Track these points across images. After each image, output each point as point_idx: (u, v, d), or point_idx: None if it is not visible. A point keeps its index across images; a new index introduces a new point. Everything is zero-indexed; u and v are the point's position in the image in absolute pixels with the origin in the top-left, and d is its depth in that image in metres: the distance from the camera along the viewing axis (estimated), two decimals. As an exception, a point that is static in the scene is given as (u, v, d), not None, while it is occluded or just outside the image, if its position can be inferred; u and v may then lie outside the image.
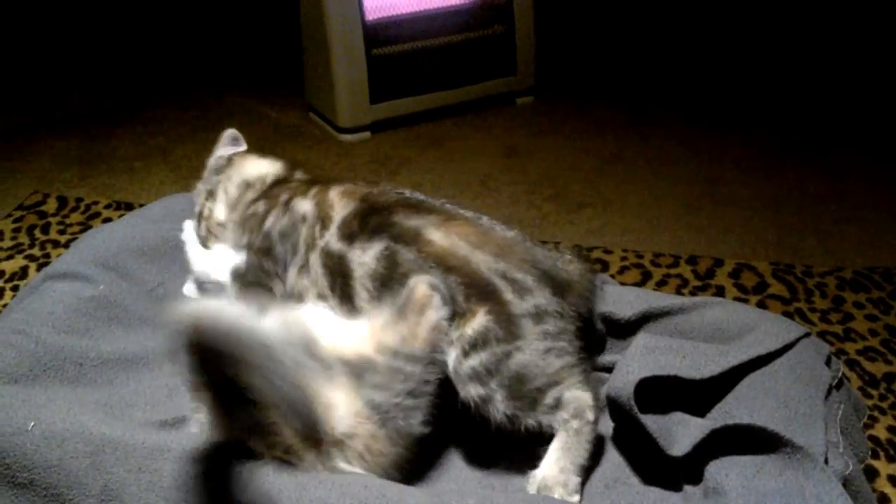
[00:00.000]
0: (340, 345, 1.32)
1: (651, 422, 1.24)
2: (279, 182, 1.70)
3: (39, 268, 2.82)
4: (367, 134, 3.77)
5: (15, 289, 2.75)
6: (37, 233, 3.06)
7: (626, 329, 1.56)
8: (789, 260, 2.82)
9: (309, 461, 1.25)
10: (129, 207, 3.17)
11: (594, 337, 1.58)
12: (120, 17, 4.60)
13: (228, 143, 1.82)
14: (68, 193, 3.32)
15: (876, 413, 2.14)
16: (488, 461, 1.37)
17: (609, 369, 1.54)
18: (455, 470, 1.35)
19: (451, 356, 1.35)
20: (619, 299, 1.59)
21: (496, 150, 3.66)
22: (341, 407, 1.26)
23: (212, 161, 1.81)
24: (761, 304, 2.58)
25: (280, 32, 4.20)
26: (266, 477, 1.20)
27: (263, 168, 1.75)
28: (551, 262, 1.45)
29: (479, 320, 1.34)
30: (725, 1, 4.54)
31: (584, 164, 3.52)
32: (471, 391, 1.33)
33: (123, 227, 1.85)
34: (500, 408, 1.32)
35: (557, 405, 1.33)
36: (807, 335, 1.42)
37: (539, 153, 3.63)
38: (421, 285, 1.37)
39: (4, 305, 2.64)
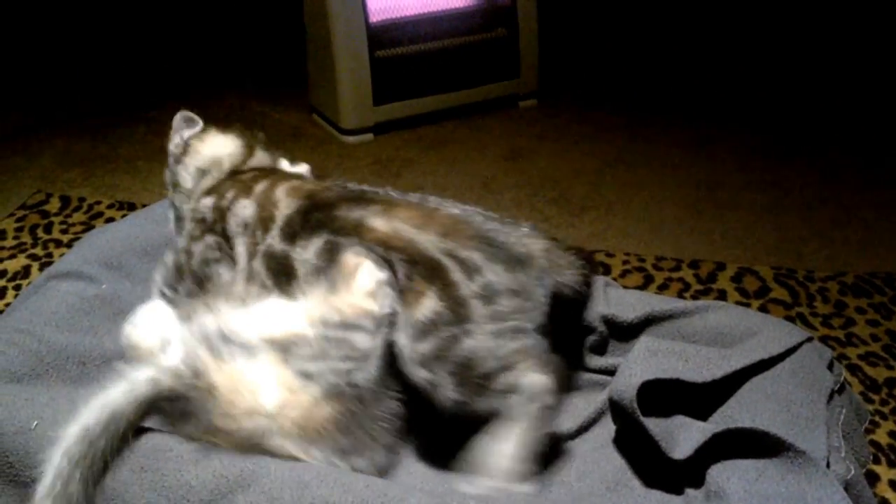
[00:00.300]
0: (268, 328, 1.29)
1: (653, 425, 1.24)
2: (233, 173, 1.66)
3: (42, 267, 2.83)
4: (370, 136, 3.78)
5: (17, 288, 2.75)
6: (39, 232, 3.06)
7: (628, 332, 1.56)
8: (791, 264, 2.82)
9: (242, 440, 1.24)
10: (132, 207, 3.18)
11: (593, 338, 1.58)
12: (124, 16, 4.60)
13: (183, 126, 1.76)
14: (71, 193, 3.32)
15: (877, 418, 2.14)
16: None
17: (611, 372, 1.54)
18: (457, 471, 1.35)
19: (399, 339, 1.31)
20: (622, 302, 1.59)
21: (499, 152, 3.67)
22: (268, 381, 1.24)
23: (170, 147, 1.76)
24: (763, 309, 2.58)
25: (284, 34, 4.21)
26: (268, 476, 1.20)
27: (219, 148, 1.71)
28: (504, 236, 1.38)
29: (427, 304, 1.29)
30: (726, 5, 4.54)
31: (586, 167, 3.53)
32: (419, 375, 1.30)
33: (126, 227, 1.85)
34: (449, 394, 1.29)
35: (512, 390, 1.28)
36: (809, 340, 1.42)
37: (542, 156, 3.63)
38: (349, 254, 1.36)
39: (7, 304, 2.65)
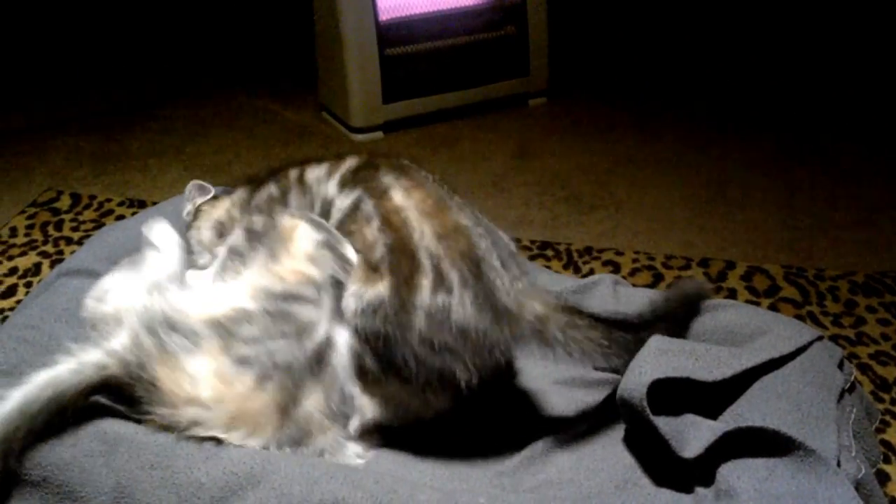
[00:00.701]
0: (213, 306, 1.29)
1: (663, 423, 1.24)
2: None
3: (52, 264, 2.84)
4: (380, 134, 3.78)
5: (28, 285, 2.76)
6: (50, 230, 3.08)
7: (637, 330, 1.55)
8: (801, 263, 2.82)
9: (182, 427, 1.25)
10: (142, 205, 3.19)
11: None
12: (135, 14, 4.61)
13: (196, 194, 1.77)
14: (82, 191, 3.34)
15: (888, 417, 2.13)
16: (498, 460, 1.37)
17: (619, 370, 1.54)
18: (465, 469, 1.35)
19: (348, 302, 1.33)
20: (632, 300, 1.59)
21: (508, 151, 3.67)
22: (206, 374, 1.25)
23: (184, 216, 1.78)
24: (773, 308, 2.58)
25: (294, 32, 4.21)
26: (277, 472, 1.20)
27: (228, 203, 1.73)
28: (498, 278, 1.32)
29: (378, 289, 1.30)
30: (737, 2, 4.53)
31: (596, 165, 3.53)
32: (351, 338, 1.34)
33: (137, 225, 1.84)
34: (369, 365, 1.33)
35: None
36: (819, 339, 1.42)
37: (551, 154, 3.63)
38: (285, 216, 1.38)
39: (18, 301, 2.66)
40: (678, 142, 3.72)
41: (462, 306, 1.28)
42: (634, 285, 1.75)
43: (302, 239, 1.34)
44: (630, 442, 1.36)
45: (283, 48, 4.49)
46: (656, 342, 1.34)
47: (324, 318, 1.33)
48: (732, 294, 2.66)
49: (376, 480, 1.20)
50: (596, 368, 1.56)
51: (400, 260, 1.31)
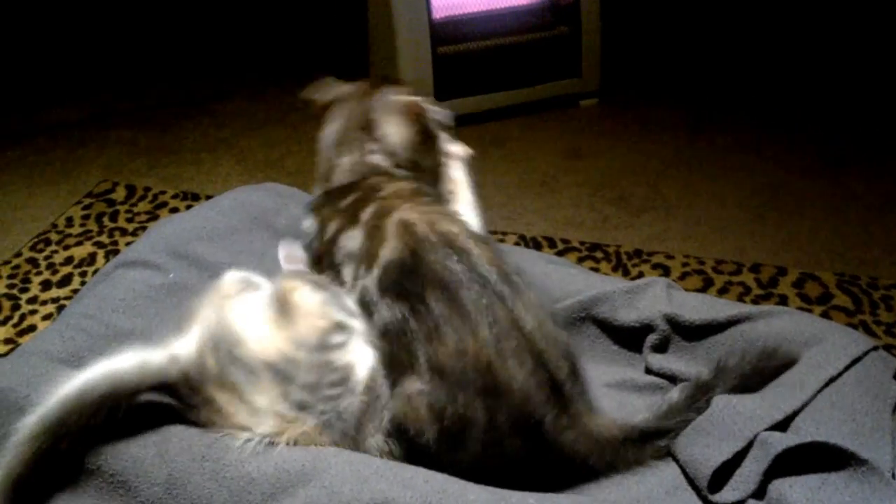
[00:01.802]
0: (265, 343, 1.30)
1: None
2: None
3: (107, 255, 2.89)
4: (431, 132, 3.78)
5: (83, 274, 2.81)
6: (105, 220, 3.13)
7: (691, 332, 1.54)
8: (854, 271, 2.79)
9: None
10: (196, 198, 3.23)
11: (655, 337, 1.56)
12: (192, 9, 4.66)
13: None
14: (137, 182, 3.39)
15: (941, 430, 2.10)
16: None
17: (668, 376, 1.53)
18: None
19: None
20: (684, 304, 1.57)
21: (558, 151, 3.66)
22: (264, 407, 1.27)
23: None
24: (825, 316, 2.55)
25: (347, 29, 4.23)
26: (328, 471, 1.21)
27: None
28: (552, 424, 1.27)
29: (427, 427, 1.26)
30: (793, 6, 4.48)
31: (647, 167, 3.51)
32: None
33: (193, 218, 1.88)
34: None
35: None
36: (874, 349, 1.40)
37: (602, 156, 3.62)
38: (286, 279, 1.39)
39: (73, 291, 2.71)
40: (731, 145, 3.68)
41: (513, 452, 1.27)
42: (685, 290, 1.74)
43: (305, 299, 1.35)
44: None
45: (337, 45, 4.51)
46: (722, 402, 1.31)
47: (358, 352, 1.33)
48: (783, 301, 2.64)
49: (426, 479, 1.20)
50: (648, 373, 1.55)
51: (448, 406, 1.25)
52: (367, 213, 1.45)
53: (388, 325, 1.31)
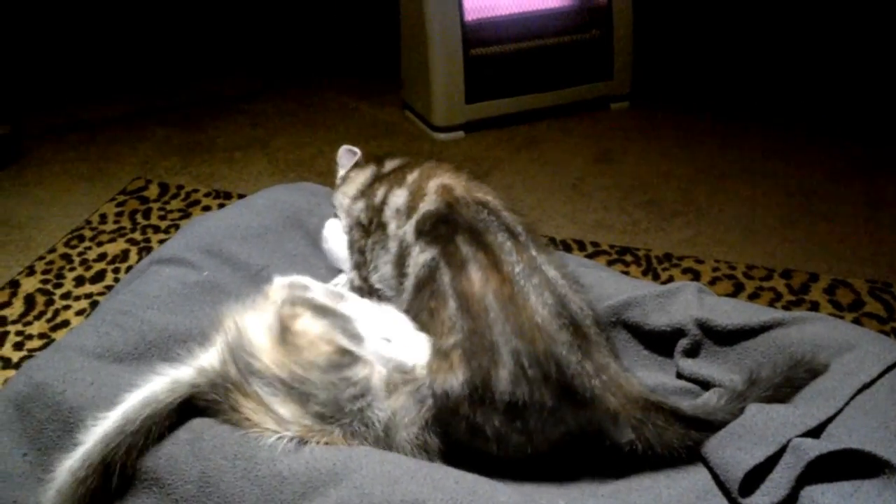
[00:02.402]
0: (276, 361, 1.31)
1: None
2: (376, 178, 1.74)
3: (140, 252, 2.91)
4: (461, 133, 3.80)
5: (116, 271, 2.83)
6: (138, 217, 3.16)
7: (723, 337, 1.54)
8: (886, 278, 2.76)
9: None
10: (228, 196, 3.25)
11: (686, 342, 1.56)
12: (225, 10, 4.69)
13: (346, 161, 1.91)
14: (170, 180, 3.41)
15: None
16: (578, 464, 1.37)
17: (700, 381, 1.52)
18: (544, 471, 1.35)
19: (419, 398, 1.32)
20: (716, 308, 1.57)
21: (589, 154, 3.65)
22: (290, 418, 1.28)
23: (336, 181, 1.91)
24: (856, 322, 2.53)
25: (379, 31, 4.25)
26: (359, 471, 1.21)
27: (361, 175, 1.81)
28: (578, 375, 1.28)
29: (451, 381, 1.28)
30: (825, 11, 4.45)
31: (678, 171, 3.50)
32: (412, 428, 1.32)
33: (227, 216, 1.89)
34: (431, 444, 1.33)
35: None
36: (908, 356, 1.39)
37: (632, 159, 3.61)
38: (286, 305, 1.39)
39: (106, 287, 2.73)
40: (762, 150, 3.67)
41: (541, 399, 1.27)
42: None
43: (308, 327, 1.35)
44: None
45: (369, 46, 4.53)
46: (754, 410, 1.31)
47: (374, 365, 1.33)
48: (815, 307, 2.62)
49: (457, 481, 1.21)
50: (679, 377, 1.55)
51: (477, 351, 1.28)
52: (412, 176, 1.57)
53: (420, 271, 1.39)
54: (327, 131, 3.86)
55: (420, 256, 1.41)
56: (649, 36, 4.18)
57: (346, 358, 1.32)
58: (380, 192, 1.63)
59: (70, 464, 1.26)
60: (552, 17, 3.85)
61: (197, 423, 1.31)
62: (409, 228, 1.47)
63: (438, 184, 1.51)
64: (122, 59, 4.43)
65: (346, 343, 1.34)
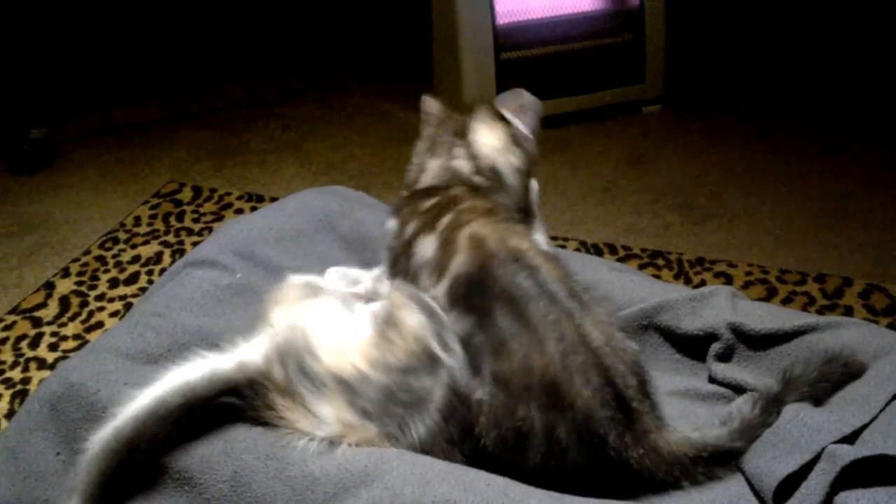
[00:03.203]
0: (338, 356, 1.30)
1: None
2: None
3: (174, 254, 2.94)
4: (493, 137, 3.78)
5: (150, 273, 2.86)
6: (172, 220, 3.18)
7: (756, 342, 1.53)
8: (923, 283, 2.74)
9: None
10: (260, 199, 3.27)
11: (719, 346, 1.55)
12: (257, 14, 4.72)
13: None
14: (203, 183, 3.44)
15: None
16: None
17: (733, 386, 1.51)
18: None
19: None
20: (750, 313, 1.56)
21: (621, 157, 3.64)
22: (327, 416, 1.28)
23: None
24: (891, 328, 2.50)
25: (411, 34, 4.26)
26: (391, 472, 1.22)
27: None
28: (617, 442, 1.26)
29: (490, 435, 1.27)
30: (860, 15, 4.40)
31: (710, 175, 3.48)
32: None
33: (260, 219, 1.90)
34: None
35: None
36: (944, 362, 1.37)
37: (664, 162, 3.60)
38: (396, 293, 1.37)
39: (140, 289, 2.76)
40: (796, 153, 3.63)
41: (578, 456, 1.26)
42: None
43: (409, 319, 1.33)
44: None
45: (400, 49, 4.54)
46: (792, 410, 1.30)
47: (437, 396, 1.31)
48: (849, 312, 2.60)
49: (488, 483, 1.21)
50: (712, 382, 1.54)
51: (506, 426, 1.26)
52: (443, 223, 1.45)
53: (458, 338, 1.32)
54: (359, 135, 3.87)
55: (456, 325, 1.33)
56: (682, 39, 4.15)
57: (424, 363, 1.30)
58: (410, 228, 1.52)
59: (102, 435, 1.26)
60: (584, 20, 3.83)
61: (230, 423, 1.31)
62: (440, 293, 1.38)
63: (469, 234, 1.40)
64: (156, 63, 4.46)
65: (435, 347, 1.31)
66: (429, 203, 1.54)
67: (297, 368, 1.29)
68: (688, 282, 2.77)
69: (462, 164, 1.64)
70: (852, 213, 3.17)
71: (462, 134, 1.68)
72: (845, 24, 4.42)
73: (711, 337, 1.56)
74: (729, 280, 2.77)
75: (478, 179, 1.62)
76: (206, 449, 1.29)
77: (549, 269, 1.34)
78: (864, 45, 4.40)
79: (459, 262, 1.37)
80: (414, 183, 1.68)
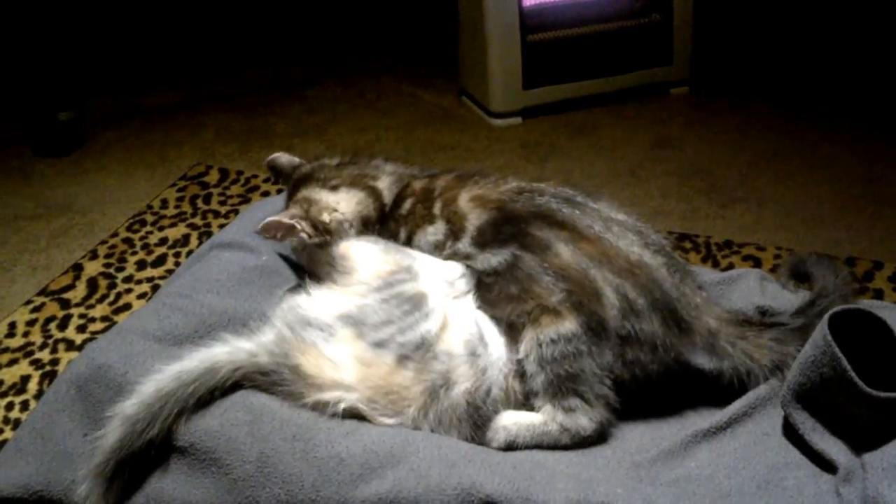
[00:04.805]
0: (339, 306, 1.37)
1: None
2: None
3: (200, 236, 2.95)
4: (518, 119, 3.78)
5: (177, 255, 2.87)
6: (199, 202, 3.19)
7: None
8: (954, 266, 2.70)
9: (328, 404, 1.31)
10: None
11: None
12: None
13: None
14: (229, 166, 3.45)
15: None
16: (636, 452, 1.36)
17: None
18: (602, 458, 1.35)
19: (524, 342, 1.37)
20: (779, 296, 1.55)
21: (648, 140, 3.62)
22: (345, 359, 1.32)
23: None
24: (922, 312, 2.48)
25: (437, 16, 4.24)
26: (416, 454, 1.22)
27: None
28: (680, 297, 1.40)
29: (567, 325, 1.35)
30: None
31: (738, 158, 3.45)
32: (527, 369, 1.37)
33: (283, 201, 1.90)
34: (533, 384, 1.36)
35: (566, 409, 1.36)
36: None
37: (691, 145, 3.57)
38: (340, 245, 1.48)
39: (168, 271, 2.77)
40: (826, 136, 3.59)
41: (651, 325, 1.37)
42: (778, 282, 1.70)
43: (361, 252, 1.44)
44: (774, 441, 1.33)
45: (426, 32, 4.52)
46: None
47: (429, 288, 1.41)
48: (879, 295, 2.57)
49: (514, 466, 1.21)
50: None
51: (583, 300, 1.36)
52: (437, 207, 1.54)
53: (497, 268, 1.42)
54: (385, 118, 3.87)
55: (493, 259, 1.43)
56: (709, 20, 4.11)
57: (402, 275, 1.40)
58: (401, 236, 1.59)
59: (125, 406, 1.30)
60: (611, 1, 3.81)
61: (256, 405, 1.32)
62: (463, 245, 1.48)
63: (468, 199, 1.51)
64: (184, 46, 4.48)
65: (403, 259, 1.44)
66: (406, 206, 1.60)
67: (302, 323, 1.35)
68: (715, 265, 2.75)
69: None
70: (882, 197, 3.13)
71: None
72: (876, 5, 4.37)
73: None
74: (757, 263, 2.75)
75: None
76: (232, 430, 1.30)
77: (546, 185, 1.51)
78: (890, 29, 4.34)
79: (474, 218, 1.48)
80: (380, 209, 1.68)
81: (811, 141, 3.57)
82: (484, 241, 1.45)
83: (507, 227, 1.44)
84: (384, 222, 1.61)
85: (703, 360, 1.47)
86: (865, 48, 4.30)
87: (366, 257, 1.43)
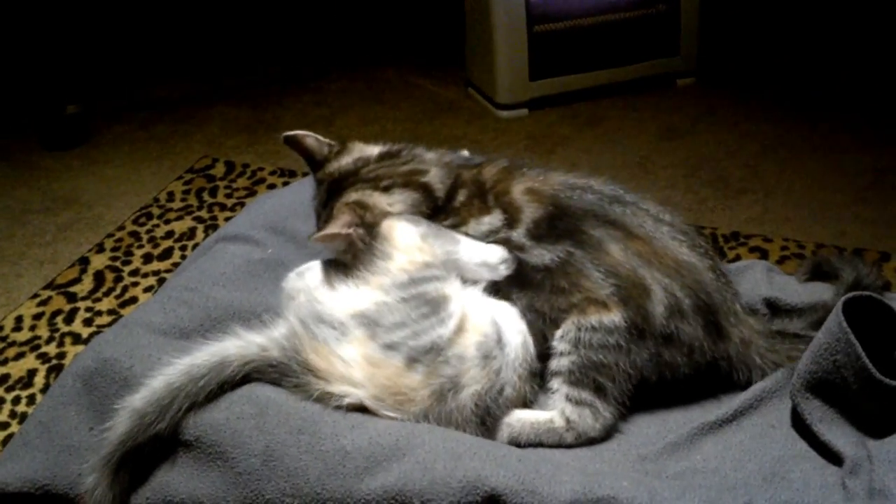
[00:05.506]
0: (355, 303, 1.37)
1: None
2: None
3: (207, 229, 2.95)
4: (525, 111, 3.77)
5: (183, 248, 2.87)
6: (205, 195, 3.19)
7: (792, 316, 1.52)
8: (962, 257, 2.69)
9: (335, 398, 1.32)
10: (293, 174, 3.27)
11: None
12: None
13: None
14: (236, 159, 3.45)
15: None
16: (642, 444, 1.36)
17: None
18: (608, 451, 1.35)
19: (564, 325, 1.40)
20: (786, 287, 1.55)
21: (654, 131, 3.61)
22: (356, 359, 1.31)
23: None
24: (930, 303, 2.47)
25: (443, 8, 4.23)
26: (422, 446, 1.22)
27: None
28: (722, 302, 1.43)
29: (612, 317, 1.37)
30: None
31: (745, 149, 3.44)
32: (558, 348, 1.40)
33: (291, 194, 1.90)
34: (559, 365, 1.39)
35: (577, 402, 1.38)
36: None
37: (699, 136, 3.56)
38: (384, 221, 1.45)
39: (174, 264, 2.78)
40: (833, 127, 3.58)
41: (693, 328, 1.40)
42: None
43: (403, 235, 1.42)
44: (780, 433, 1.33)
45: (432, 24, 4.51)
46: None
47: (454, 290, 1.40)
48: (886, 287, 2.55)
49: (519, 459, 1.21)
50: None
51: (631, 295, 1.38)
52: (491, 199, 1.53)
53: (550, 264, 1.43)
54: (391, 109, 3.86)
55: (547, 254, 1.44)
56: (716, 10, 4.10)
57: (433, 270, 1.39)
58: (452, 223, 1.57)
59: (134, 400, 1.30)
60: (617, -8, 3.81)
61: (262, 398, 1.32)
62: (516, 236, 1.48)
63: (521, 191, 1.51)
64: (190, 39, 4.47)
65: (439, 248, 1.42)
66: (461, 198, 1.56)
67: (315, 320, 1.35)
68: (723, 256, 2.75)
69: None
70: (890, 188, 3.12)
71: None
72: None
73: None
74: (764, 255, 2.75)
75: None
76: (238, 424, 1.30)
77: (594, 181, 1.52)
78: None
79: (531, 211, 1.48)
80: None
81: (818, 132, 3.56)
82: (539, 234, 1.46)
83: (561, 223, 1.45)
84: (436, 213, 1.57)
85: (725, 365, 1.47)
86: (873, 38, 4.28)
87: (406, 243, 1.42)
